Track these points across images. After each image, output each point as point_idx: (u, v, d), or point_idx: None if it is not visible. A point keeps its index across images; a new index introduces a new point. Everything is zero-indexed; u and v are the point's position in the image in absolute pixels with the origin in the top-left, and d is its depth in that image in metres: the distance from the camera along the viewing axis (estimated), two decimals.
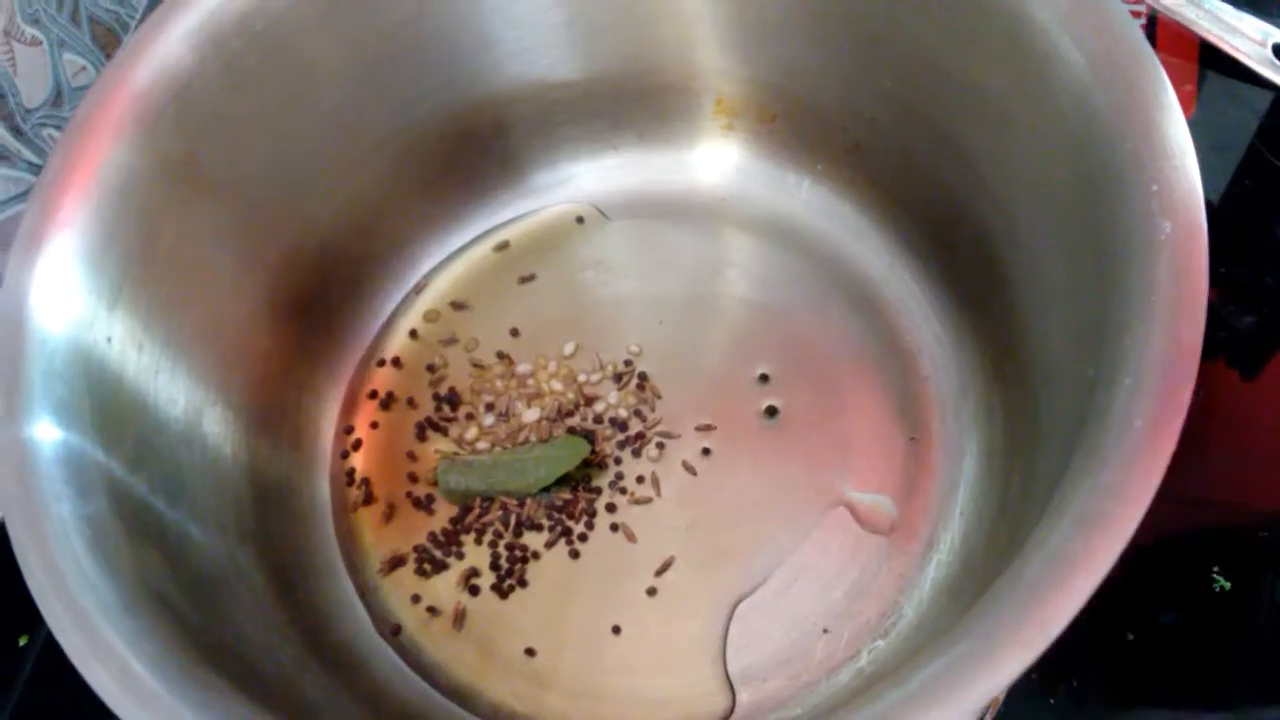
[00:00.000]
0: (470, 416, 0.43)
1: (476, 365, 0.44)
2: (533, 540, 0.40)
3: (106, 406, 0.33)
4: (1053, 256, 0.34)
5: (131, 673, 0.27)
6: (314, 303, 0.43)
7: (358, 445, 0.43)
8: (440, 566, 0.40)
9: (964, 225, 0.39)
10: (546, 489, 0.40)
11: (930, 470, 0.39)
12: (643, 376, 0.43)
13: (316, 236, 0.42)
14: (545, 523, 0.40)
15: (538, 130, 0.46)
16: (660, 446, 0.41)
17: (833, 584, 0.38)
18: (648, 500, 0.40)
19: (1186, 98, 0.48)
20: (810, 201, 0.45)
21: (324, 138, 0.41)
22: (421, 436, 0.43)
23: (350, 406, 0.44)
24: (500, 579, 0.39)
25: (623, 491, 0.41)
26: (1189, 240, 0.27)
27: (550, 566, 0.40)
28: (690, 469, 0.41)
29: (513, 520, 0.40)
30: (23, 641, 0.42)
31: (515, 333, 0.44)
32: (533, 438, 0.42)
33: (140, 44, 0.36)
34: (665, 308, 0.44)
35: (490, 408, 0.43)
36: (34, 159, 0.46)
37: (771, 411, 0.41)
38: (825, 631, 0.37)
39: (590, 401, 0.42)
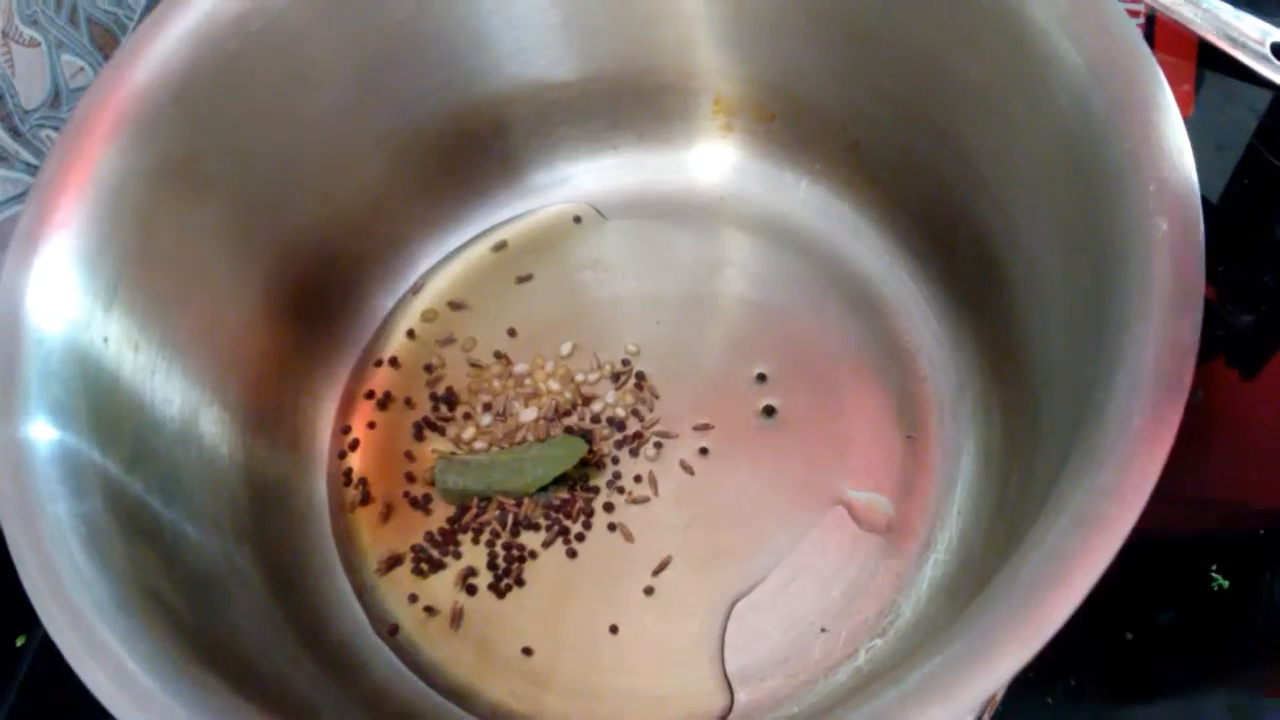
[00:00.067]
0: (468, 416, 0.43)
1: (474, 365, 0.44)
2: (530, 540, 0.40)
3: (103, 406, 0.33)
4: (1051, 256, 0.34)
5: (127, 672, 0.27)
6: (311, 303, 0.43)
7: (355, 445, 0.43)
8: (438, 566, 0.40)
9: (962, 225, 0.39)
10: (544, 489, 0.40)
11: (928, 469, 0.39)
12: (640, 376, 0.43)
13: (314, 236, 0.42)
14: (543, 522, 0.40)
15: (536, 130, 0.46)
16: (658, 446, 0.41)
17: (830, 583, 0.38)
18: (645, 500, 0.40)
19: (1185, 97, 0.48)
20: (808, 201, 0.45)
21: (322, 138, 0.41)
22: (419, 436, 0.43)
23: (347, 406, 0.44)
24: (498, 578, 0.39)
25: (620, 491, 0.41)
26: (1186, 239, 0.27)
27: (548, 566, 0.40)
28: (688, 468, 0.41)
29: (510, 520, 0.40)
30: (20, 642, 0.42)
31: (513, 332, 0.44)
32: (530, 437, 0.42)
33: (138, 44, 0.36)
34: (663, 307, 0.44)
35: (488, 407, 0.43)
36: (32, 160, 0.46)
37: (769, 411, 0.41)
38: (823, 631, 0.37)
39: (588, 401, 0.42)
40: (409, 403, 0.44)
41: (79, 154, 0.34)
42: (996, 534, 0.34)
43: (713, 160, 0.47)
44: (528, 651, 0.38)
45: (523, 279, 0.46)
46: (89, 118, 0.34)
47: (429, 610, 0.39)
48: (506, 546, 0.40)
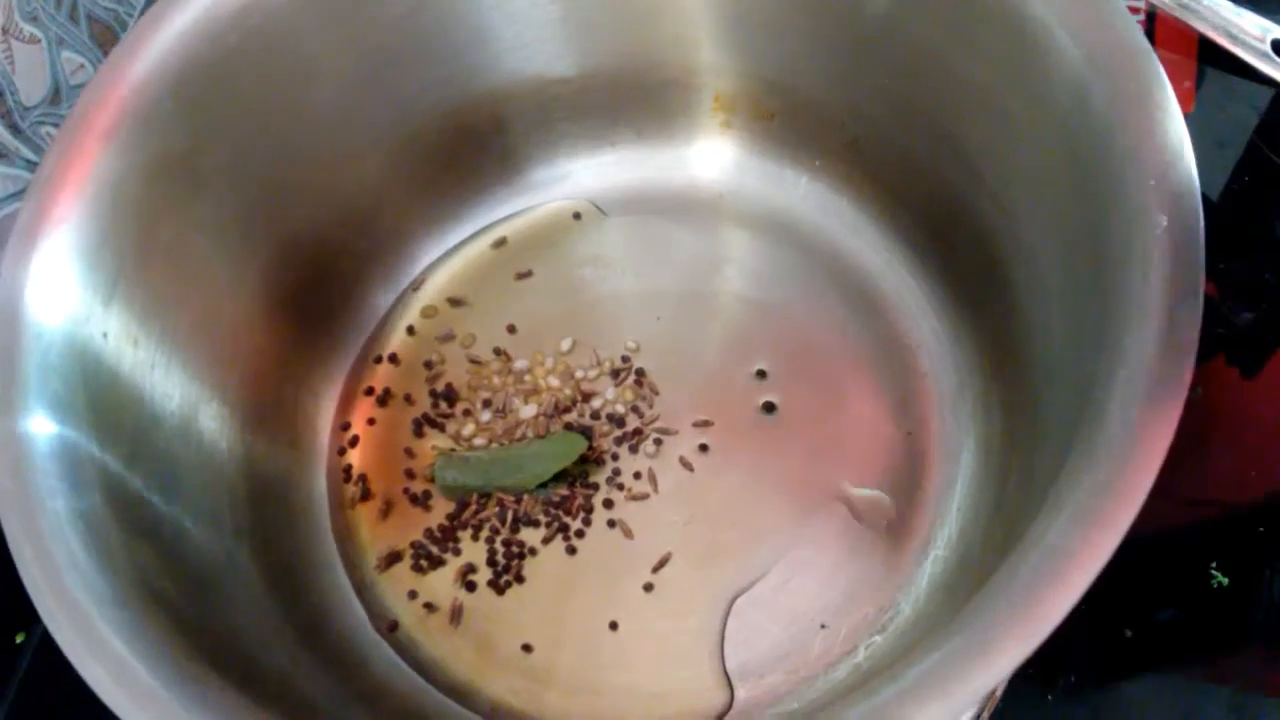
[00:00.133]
0: (467, 413, 0.43)
1: (474, 362, 0.44)
2: (530, 536, 0.40)
3: (102, 402, 0.33)
4: (1050, 252, 0.33)
5: (127, 668, 0.27)
6: (311, 299, 0.43)
7: (355, 442, 0.43)
8: (437, 563, 0.40)
9: (962, 221, 0.39)
10: (543, 485, 0.40)
11: (928, 466, 0.39)
12: (640, 372, 0.43)
13: (313, 232, 0.42)
14: (542, 519, 0.40)
15: (536, 126, 0.46)
16: (658, 442, 0.41)
17: (830, 580, 0.38)
18: (645, 496, 0.40)
19: (1186, 94, 0.48)
20: (808, 197, 0.45)
21: (321, 134, 0.41)
22: (419, 433, 0.43)
23: (347, 403, 0.44)
24: (497, 575, 0.39)
25: (620, 488, 0.41)
26: (1186, 236, 0.27)
27: (547, 562, 0.40)
28: (687, 465, 0.41)
29: (510, 516, 0.40)
30: (20, 639, 0.42)
31: (512, 329, 0.44)
32: (530, 434, 0.42)
33: (137, 40, 0.36)
34: (662, 304, 0.44)
35: (487, 404, 0.43)
36: (32, 156, 0.46)
37: (769, 407, 0.41)
38: (823, 627, 0.37)
39: (587, 398, 0.42)
40: (409, 399, 0.44)
41: (78, 150, 0.34)
42: (996, 531, 0.34)
43: (712, 157, 0.47)
44: (527, 648, 0.38)
45: (522, 275, 0.46)
46: (88, 114, 0.34)
47: (428, 607, 0.39)
48: (506, 543, 0.40)
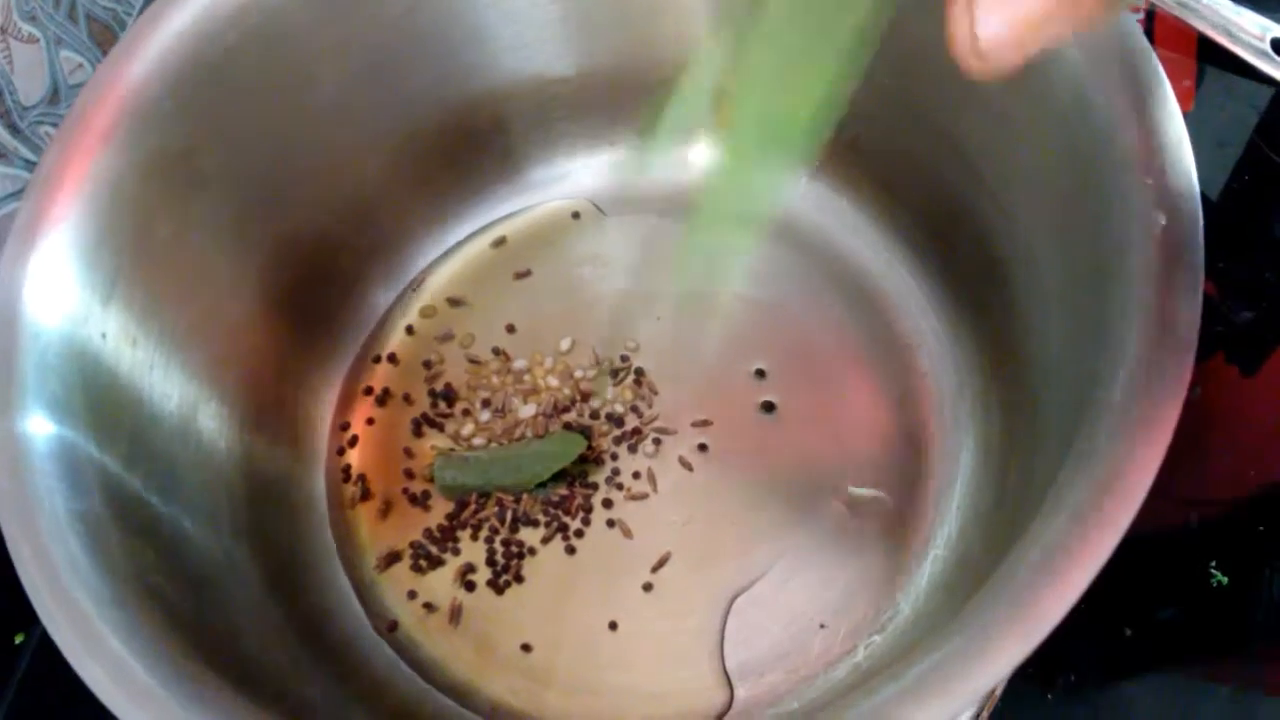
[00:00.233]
0: (466, 413, 0.43)
1: (473, 361, 0.44)
2: (529, 536, 0.40)
3: (101, 402, 0.33)
4: (1050, 251, 0.33)
5: (125, 668, 0.27)
6: (310, 299, 0.43)
7: (354, 442, 0.43)
8: (436, 562, 0.40)
9: (962, 221, 0.39)
10: (543, 485, 0.40)
11: (927, 466, 0.39)
12: (639, 372, 0.43)
13: (312, 232, 0.42)
14: (541, 519, 0.40)
15: (535, 125, 0.46)
16: (657, 442, 0.41)
17: (830, 579, 0.38)
18: (644, 496, 0.40)
19: (1185, 93, 0.48)
20: (808, 197, 0.45)
21: (320, 133, 0.41)
22: (418, 433, 0.43)
23: (346, 403, 0.44)
24: (496, 575, 0.39)
25: (619, 487, 0.41)
26: (1185, 235, 0.27)
27: (546, 562, 0.40)
28: (687, 465, 0.41)
29: (509, 516, 0.40)
30: (19, 639, 0.42)
31: (511, 329, 0.44)
32: (529, 434, 0.42)
33: (135, 39, 0.35)
34: (662, 303, 0.44)
35: (486, 404, 0.43)
36: (30, 156, 0.46)
37: (768, 407, 0.41)
38: (822, 627, 0.37)
39: (586, 397, 0.42)
40: (408, 399, 0.44)
41: (76, 149, 0.34)
42: (996, 530, 0.34)
43: (712, 156, 0.47)
44: (527, 648, 0.38)
45: (521, 275, 0.46)
46: (86, 113, 0.34)
47: (428, 607, 0.39)
48: (505, 543, 0.40)
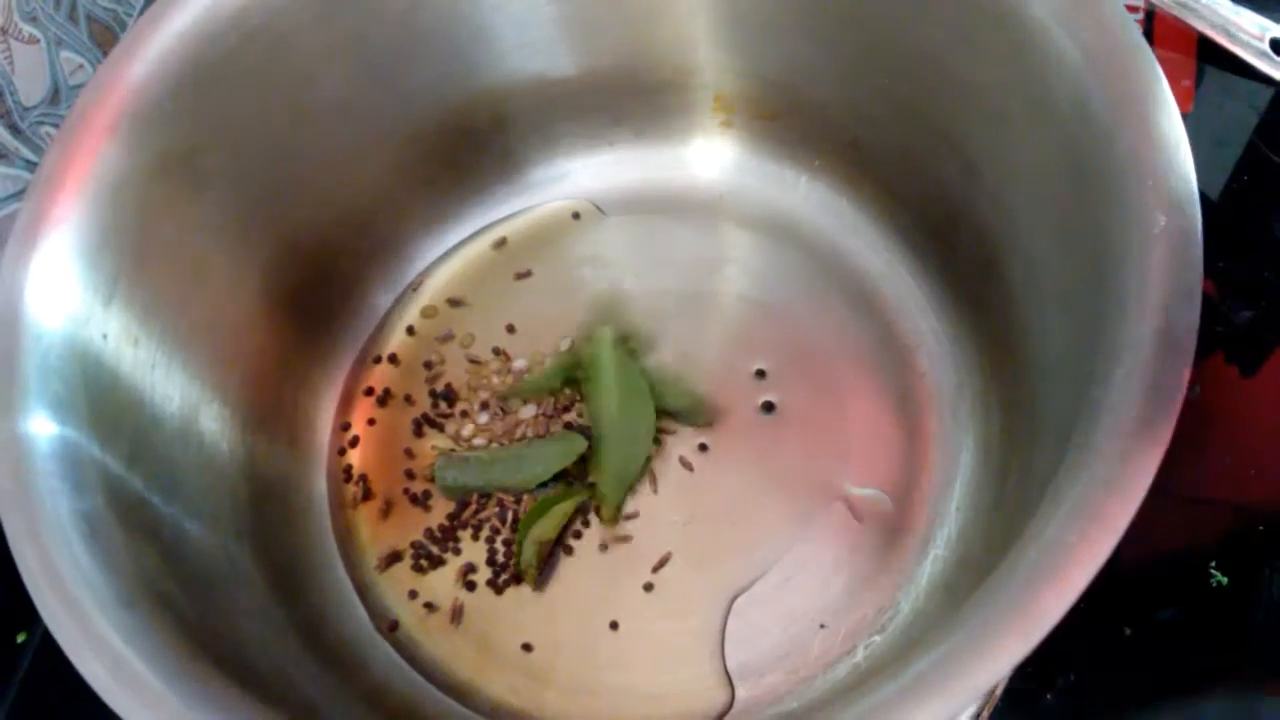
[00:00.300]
0: (466, 413, 0.43)
1: (473, 361, 0.44)
2: None
3: (102, 402, 0.33)
4: (1049, 252, 0.34)
5: (127, 668, 0.27)
6: (311, 299, 0.43)
7: (355, 442, 0.43)
8: (437, 562, 0.40)
9: (962, 221, 0.39)
10: (543, 485, 0.40)
11: (927, 466, 0.39)
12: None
13: (314, 233, 0.42)
14: None
15: (536, 126, 0.46)
16: (657, 442, 0.41)
17: (830, 579, 0.38)
18: (644, 496, 0.40)
19: (1185, 93, 0.48)
20: (808, 197, 0.45)
21: (321, 133, 0.41)
22: (418, 433, 0.43)
23: (347, 403, 0.44)
24: (497, 575, 0.39)
25: None
26: (1185, 235, 0.27)
27: (547, 562, 0.40)
28: (687, 464, 0.41)
29: (510, 516, 0.40)
30: (21, 638, 0.42)
31: (512, 329, 0.44)
32: (529, 434, 0.42)
33: (136, 40, 0.36)
34: (662, 304, 0.44)
35: (486, 405, 0.43)
36: (31, 157, 0.46)
37: (769, 407, 0.41)
38: (822, 627, 0.37)
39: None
40: (408, 399, 0.44)
41: (78, 150, 0.34)
42: (995, 530, 0.34)
43: (712, 156, 0.47)
44: (527, 648, 0.38)
45: (522, 275, 0.46)
46: (87, 114, 0.34)
47: (429, 606, 0.39)
48: (506, 543, 0.40)
